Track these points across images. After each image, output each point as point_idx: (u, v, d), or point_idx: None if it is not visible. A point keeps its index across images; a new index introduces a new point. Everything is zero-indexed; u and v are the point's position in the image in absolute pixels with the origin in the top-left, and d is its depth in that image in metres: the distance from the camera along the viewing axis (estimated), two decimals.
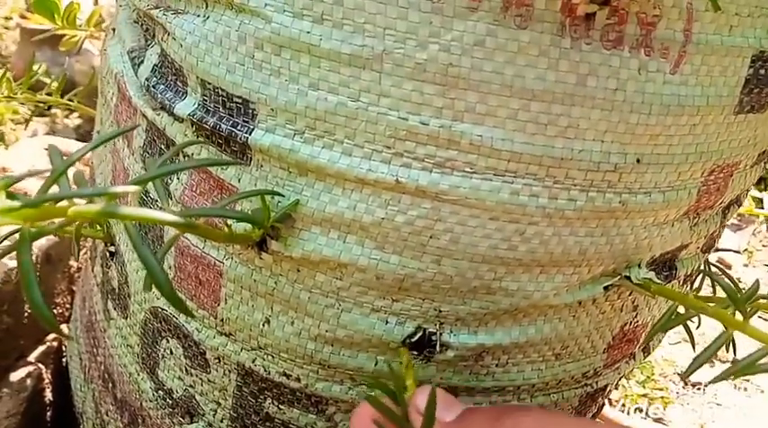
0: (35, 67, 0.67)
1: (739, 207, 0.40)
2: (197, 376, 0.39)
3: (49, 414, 0.63)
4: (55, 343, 0.65)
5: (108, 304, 0.45)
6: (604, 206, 0.30)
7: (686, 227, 0.35)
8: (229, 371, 0.37)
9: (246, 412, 0.38)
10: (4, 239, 0.39)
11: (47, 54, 1.23)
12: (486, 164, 0.28)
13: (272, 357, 0.35)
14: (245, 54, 0.29)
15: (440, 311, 0.32)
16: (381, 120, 0.28)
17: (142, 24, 0.37)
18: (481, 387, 0.35)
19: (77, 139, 1.03)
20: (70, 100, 0.69)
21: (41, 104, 0.67)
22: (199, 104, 0.32)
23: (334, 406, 0.36)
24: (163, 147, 0.35)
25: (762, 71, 0.30)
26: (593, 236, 0.31)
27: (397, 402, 0.28)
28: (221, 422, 0.39)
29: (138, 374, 0.43)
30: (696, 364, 0.27)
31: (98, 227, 0.42)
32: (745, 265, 1.24)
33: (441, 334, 0.33)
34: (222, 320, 0.36)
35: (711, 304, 0.30)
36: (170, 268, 0.37)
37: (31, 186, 0.63)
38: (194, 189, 0.34)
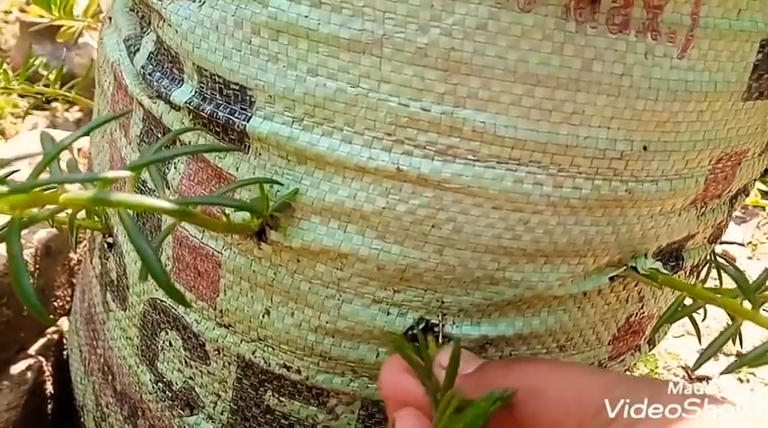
0: (33, 60, 0.66)
1: (747, 196, 0.39)
2: (196, 368, 0.38)
3: (49, 406, 0.62)
4: (55, 336, 0.65)
5: (107, 296, 0.44)
6: (610, 194, 0.29)
7: (693, 216, 0.34)
8: (229, 363, 0.37)
9: (247, 404, 0.37)
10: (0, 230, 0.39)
11: (46, 48, 1.22)
12: (489, 151, 0.28)
13: (273, 349, 0.35)
14: (241, 39, 0.28)
15: (442, 302, 0.32)
16: (382, 106, 0.27)
17: (138, 12, 0.36)
18: None
19: None
20: (68, 91, 0.68)
21: (40, 97, 0.67)
22: (195, 92, 0.31)
23: (335, 398, 0.35)
24: (160, 135, 0.34)
25: None
26: (599, 226, 0.30)
27: (422, 358, 0.29)
28: (221, 414, 0.39)
29: (138, 366, 0.42)
30: (705, 356, 0.27)
31: (96, 218, 0.42)
32: (750, 258, 1.23)
33: (443, 325, 0.32)
34: (221, 311, 0.35)
35: (719, 295, 0.30)
36: (168, 259, 0.36)
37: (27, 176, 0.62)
38: (192, 178, 0.33)
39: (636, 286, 0.35)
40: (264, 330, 0.34)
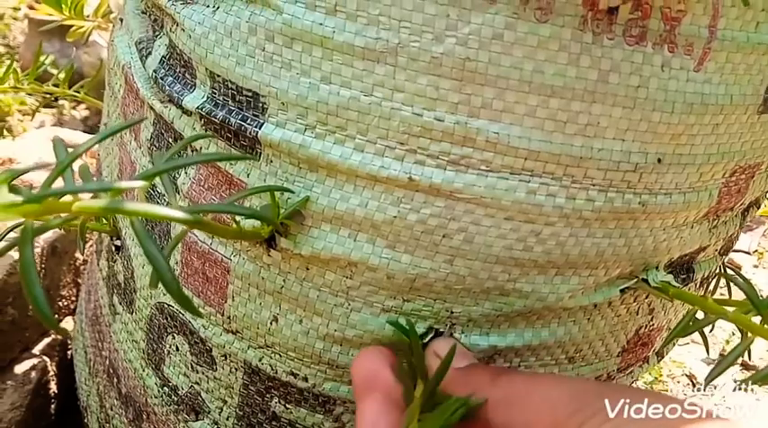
0: (43, 59, 0.66)
1: (758, 209, 0.39)
2: (203, 373, 0.38)
3: (53, 406, 0.62)
4: (60, 336, 0.65)
5: (113, 298, 0.44)
6: (623, 207, 0.29)
7: (705, 229, 0.34)
8: (236, 369, 0.36)
9: (253, 410, 0.37)
10: (10, 231, 0.39)
11: (55, 46, 1.22)
12: (503, 162, 0.27)
13: (280, 356, 0.34)
14: (255, 46, 0.28)
15: (451, 312, 0.31)
16: (395, 115, 0.27)
17: (150, 15, 0.36)
18: None
19: (84, 131, 1.03)
20: (77, 91, 0.68)
21: (48, 95, 0.67)
22: (207, 97, 0.31)
23: (341, 407, 0.35)
24: (170, 140, 0.34)
25: None
26: (611, 238, 0.30)
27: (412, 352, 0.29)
28: (227, 420, 0.38)
29: (144, 370, 0.42)
30: (717, 371, 0.27)
31: (104, 221, 0.41)
32: (756, 266, 1.22)
33: (452, 335, 0.32)
34: (229, 317, 0.35)
35: (730, 308, 0.29)
36: (177, 264, 0.36)
37: (38, 178, 0.63)
38: (202, 184, 0.33)
39: (646, 298, 0.35)
40: (272, 337, 0.34)
